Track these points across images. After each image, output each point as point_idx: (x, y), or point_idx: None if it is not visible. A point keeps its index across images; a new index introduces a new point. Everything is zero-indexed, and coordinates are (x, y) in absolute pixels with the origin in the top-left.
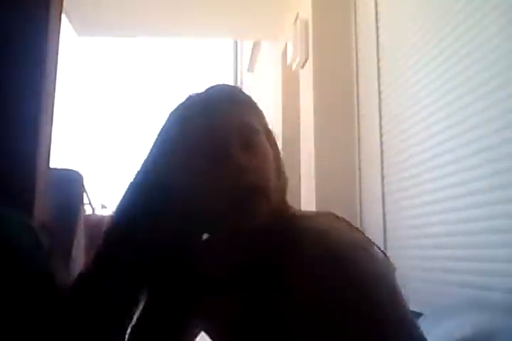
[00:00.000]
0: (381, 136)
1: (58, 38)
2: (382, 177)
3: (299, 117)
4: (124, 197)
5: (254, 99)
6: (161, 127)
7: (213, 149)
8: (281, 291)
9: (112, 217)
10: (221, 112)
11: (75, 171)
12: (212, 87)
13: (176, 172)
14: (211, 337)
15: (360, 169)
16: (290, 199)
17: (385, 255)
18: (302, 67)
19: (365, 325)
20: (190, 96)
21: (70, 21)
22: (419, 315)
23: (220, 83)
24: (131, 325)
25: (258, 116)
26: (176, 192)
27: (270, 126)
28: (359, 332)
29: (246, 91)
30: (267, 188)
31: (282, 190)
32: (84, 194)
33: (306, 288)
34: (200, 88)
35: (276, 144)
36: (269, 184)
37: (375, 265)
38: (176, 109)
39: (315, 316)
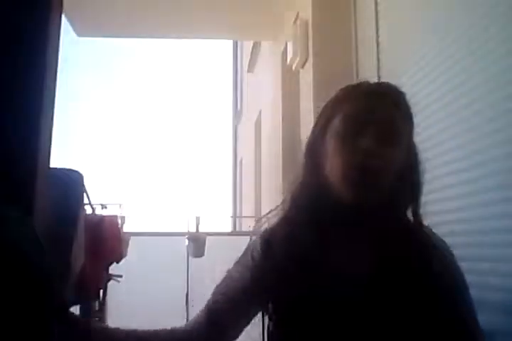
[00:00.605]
0: None
1: (58, 38)
2: None
3: (299, 117)
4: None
5: (254, 98)
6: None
7: (355, 127)
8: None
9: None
10: (379, 103)
11: (75, 171)
12: (383, 83)
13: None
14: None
15: None
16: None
17: None
18: (302, 67)
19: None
20: (362, 81)
21: (70, 21)
22: None
23: (390, 84)
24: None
25: (408, 123)
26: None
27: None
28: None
29: (246, 91)
30: (380, 174)
31: (407, 187)
32: (84, 194)
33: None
34: (200, 88)
35: (415, 148)
36: (384, 172)
37: None
38: (347, 87)
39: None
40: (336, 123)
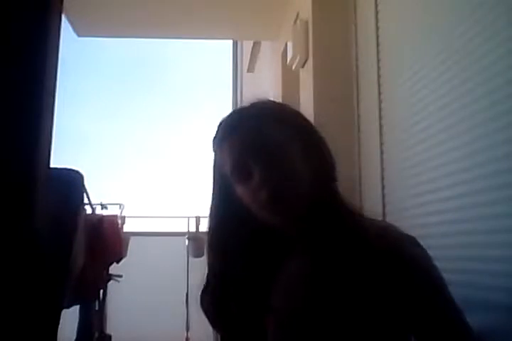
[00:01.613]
0: (381, 135)
1: (58, 38)
2: (382, 178)
3: None
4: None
5: (254, 98)
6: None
7: (237, 169)
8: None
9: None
10: (244, 135)
11: (75, 171)
12: (248, 106)
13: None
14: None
15: (360, 169)
16: None
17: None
18: (302, 67)
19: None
20: (232, 112)
21: (70, 21)
22: None
23: (260, 99)
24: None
25: (287, 136)
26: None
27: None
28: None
29: (246, 91)
30: (290, 191)
31: (323, 184)
32: (85, 194)
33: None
34: (200, 88)
35: (315, 151)
36: (291, 189)
37: (429, 257)
38: (217, 128)
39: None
40: (227, 172)
